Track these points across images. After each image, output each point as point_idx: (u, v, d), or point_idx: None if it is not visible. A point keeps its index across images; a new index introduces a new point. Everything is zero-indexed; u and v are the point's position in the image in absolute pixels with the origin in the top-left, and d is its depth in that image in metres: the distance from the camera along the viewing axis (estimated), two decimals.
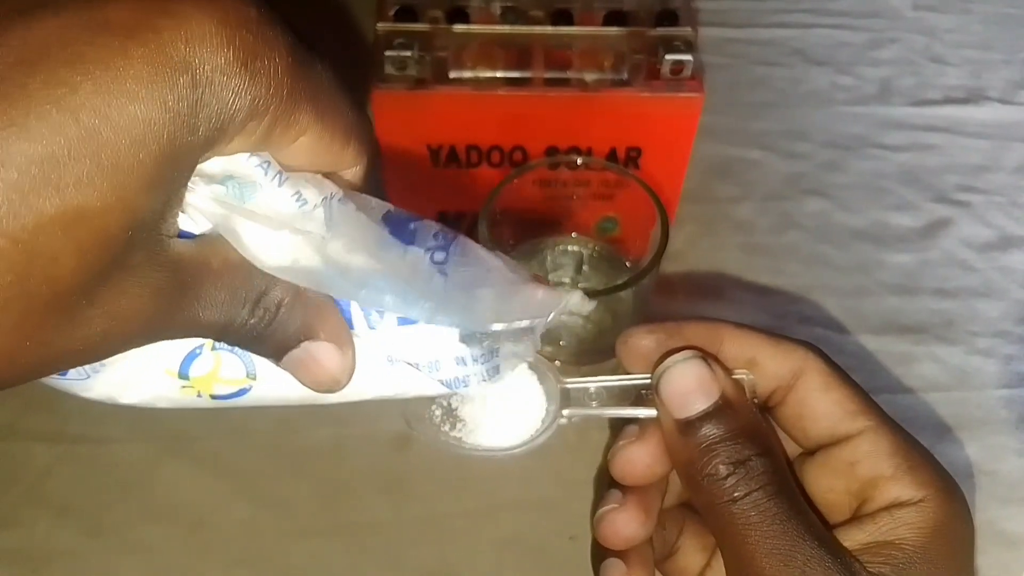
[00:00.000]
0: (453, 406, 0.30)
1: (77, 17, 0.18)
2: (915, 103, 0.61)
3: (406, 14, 0.43)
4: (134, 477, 0.42)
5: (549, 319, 0.28)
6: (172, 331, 0.23)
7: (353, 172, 0.26)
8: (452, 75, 0.42)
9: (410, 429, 0.30)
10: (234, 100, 0.20)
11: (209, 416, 0.44)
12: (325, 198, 0.24)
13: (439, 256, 0.25)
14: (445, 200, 0.47)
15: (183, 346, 0.26)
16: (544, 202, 0.43)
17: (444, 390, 0.27)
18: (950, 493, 0.28)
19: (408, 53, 0.41)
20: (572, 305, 0.28)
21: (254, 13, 0.20)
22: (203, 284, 0.22)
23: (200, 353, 0.26)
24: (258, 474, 0.42)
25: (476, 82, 0.42)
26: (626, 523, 0.31)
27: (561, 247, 0.45)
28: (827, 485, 0.30)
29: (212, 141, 0.20)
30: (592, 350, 0.43)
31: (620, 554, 0.32)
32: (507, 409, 0.30)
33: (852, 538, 0.27)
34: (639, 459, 0.30)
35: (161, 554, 0.40)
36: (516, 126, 0.44)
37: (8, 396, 0.45)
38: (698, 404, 0.28)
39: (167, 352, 0.25)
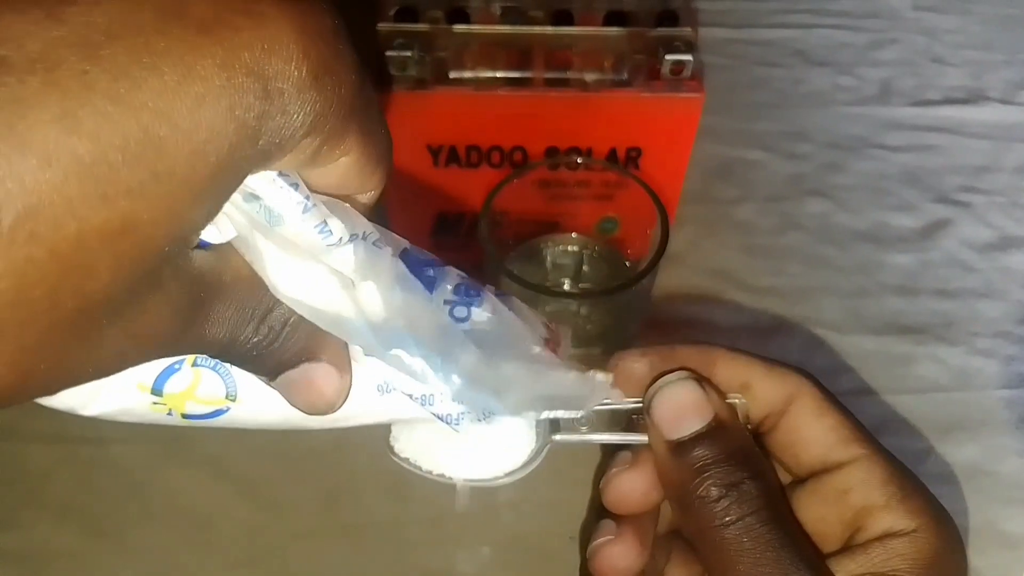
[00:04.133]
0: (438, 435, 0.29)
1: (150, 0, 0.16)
2: (916, 104, 0.61)
3: (406, 14, 0.43)
4: (135, 478, 0.42)
5: (579, 416, 0.28)
6: (179, 349, 0.21)
7: (370, 195, 0.24)
8: (452, 75, 0.42)
9: (395, 460, 0.29)
10: (299, 116, 0.18)
11: None
12: (355, 235, 0.22)
13: (460, 312, 0.24)
14: (445, 200, 0.47)
15: (162, 360, 0.24)
16: (544, 202, 0.43)
17: (435, 420, 0.26)
18: (943, 524, 0.28)
19: (408, 53, 0.41)
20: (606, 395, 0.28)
21: (331, 24, 0.19)
22: (214, 300, 0.21)
23: (179, 368, 0.24)
24: (259, 475, 0.42)
25: (476, 82, 0.42)
26: (622, 555, 0.30)
27: (561, 247, 0.45)
28: (818, 514, 0.29)
29: (268, 156, 0.19)
30: (591, 351, 0.43)
31: None
32: (494, 437, 0.29)
33: (844, 569, 0.27)
34: (634, 487, 0.30)
35: (162, 555, 0.40)
36: (516, 126, 0.44)
37: None
38: (690, 425, 0.27)
39: (143, 366, 0.23)
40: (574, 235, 0.45)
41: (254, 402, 0.25)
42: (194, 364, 0.24)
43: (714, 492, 0.26)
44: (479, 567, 0.40)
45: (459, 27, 0.43)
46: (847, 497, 0.28)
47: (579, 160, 0.43)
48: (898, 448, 0.31)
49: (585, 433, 0.29)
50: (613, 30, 0.43)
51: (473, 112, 0.43)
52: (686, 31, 0.43)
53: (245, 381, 0.24)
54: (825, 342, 0.48)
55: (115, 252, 0.16)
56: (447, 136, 0.44)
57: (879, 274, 0.51)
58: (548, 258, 0.45)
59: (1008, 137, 0.59)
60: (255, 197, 0.20)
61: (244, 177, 0.19)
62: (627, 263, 0.44)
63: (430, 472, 0.29)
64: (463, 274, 0.25)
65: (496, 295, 0.26)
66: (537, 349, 0.25)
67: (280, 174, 0.21)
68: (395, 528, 0.41)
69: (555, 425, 0.29)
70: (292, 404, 0.24)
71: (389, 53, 0.41)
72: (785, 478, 0.31)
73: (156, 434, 0.43)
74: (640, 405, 0.29)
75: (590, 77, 0.42)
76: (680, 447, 0.27)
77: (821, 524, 0.29)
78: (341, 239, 0.22)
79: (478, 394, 0.24)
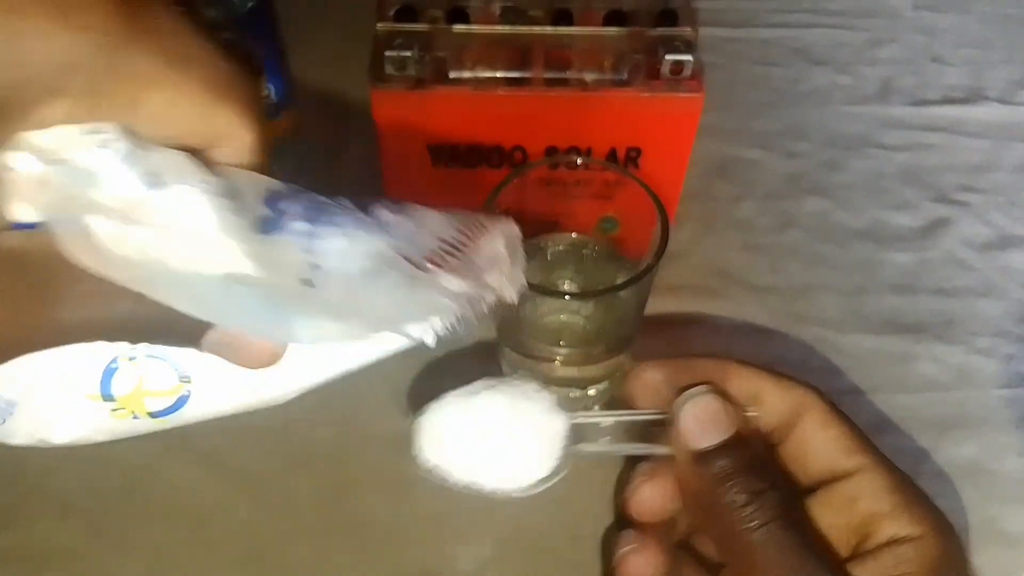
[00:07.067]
0: (466, 447, 0.30)
1: None
2: (915, 103, 0.61)
3: (406, 14, 0.43)
4: (135, 476, 0.42)
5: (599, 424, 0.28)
6: (36, 342, 0.19)
7: (237, 145, 0.21)
8: (452, 75, 0.42)
9: (421, 473, 0.30)
10: (41, 53, 0.15)
11: None
12: (186, 182, 0.19)
13: (312, 254, 0.21)
14: (445, 200, 0.47)
15: (97, 363, 0.22)
16: (544, 202, 0.43)
17: (402, 341, 0.23)
18: (946, 529, 0.29)
19: (408, 53, 0.41)
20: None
21: None
22: (59, 279, 0.18)
23: (117, 366, 0.22)
24: (259, 473, 0.42)
25: (476, 82, 0.42)
26: (646, 564, 0.31)
27: (561, 247, 0.45)
28: (828, 522, 0.30)
29: (6, 110, 0.16)
30: (591, 350, 0.43)
31: None
32: (518, 449, 0.30)
33: (856, 575, 0.28)
34: (656, 496, 0.31)
35: (162, 554, 0.40)
36: (516, 126, 0.44)
37: None
38: (714, 436, 0.29)
39: (83, 376, 0.22)
40: (574, 234, 0.45)
41: (212, 378, 0.23)
42: (130, 358, 0.23)
43: (740, 499, 0.27)
44: (479, 565, 0.40)
45: (459, 27, 0.43)
46: (855, 505, 0.29)
47: (579, 160, 0.43)
48: (898, 447, 0.32)
49: (608, 444, 0.31)
50: (613, 30, 0.43)
51: (473, 112, 0.43)
52: (685, 31, 0.43)
53: (193, 358, 0.22)
54: (824, 341, 0.48)
55: None
56: (447, 136, 0.44)
57: (878, 273, 0.51)
58: (548, 257, 0.45)
59: (1007, 136, 0.59)
60: (60, 161, 0.18)
61: None
62: (627, 262, 0.44)
63: (458, 482, 0.30)
64: (342, 204, 0.22)
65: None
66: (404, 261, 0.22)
67: (90, 130, 0.18)
68: (395, 526, 0.41)
69: (579, 436, 0.30)
70: (235, 364, 0.22)
71: (388, 53, 0.41)
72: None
73: (155, 432, 0.43)
74: (658, 416, 0.31)
75: (590, 77, 0.42)
76: (704, 456, 0.29)
77: (831, 531, 0.30)
78: (174, 188, 0.19)
79: (306, 336, 0.21)
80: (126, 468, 0.42)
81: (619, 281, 0.39)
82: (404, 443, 0.43)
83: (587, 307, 0.42)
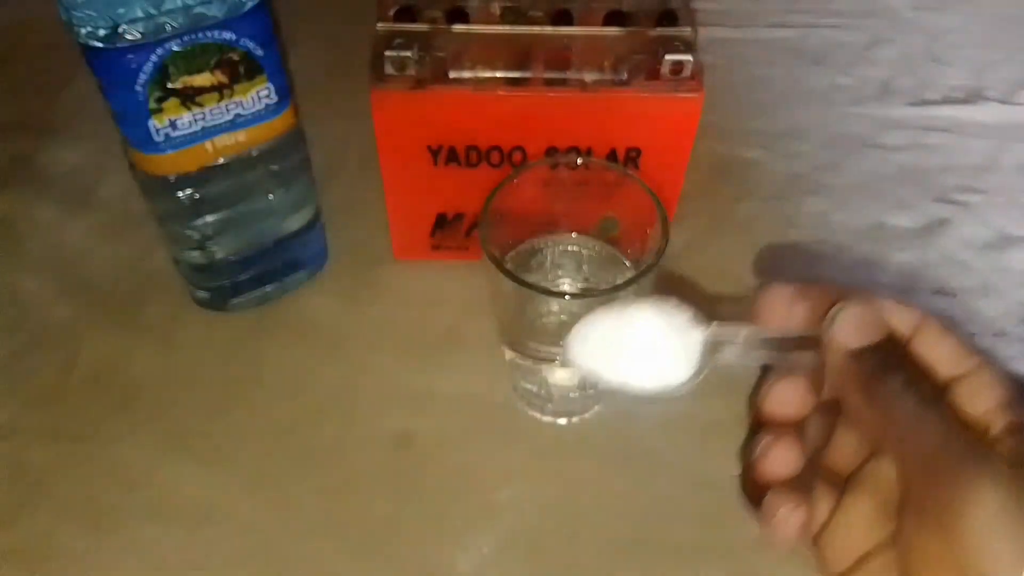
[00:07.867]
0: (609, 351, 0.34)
1: None
2: (914, 103, 0.61)
3: (406, 14, 0.43)
4: (135, 476, 0.42)
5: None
6: None
7: None
8: (452, 75, 0.42)
9: (573, 362, 0.34)
10: None
11: (210, 415, 0.44)
12: None
13: None
14: (445, 200, 0.47)
15: None
16: (544, 202, 0.43)
17: None
18: None
19: (408, 53, 0.41)
20: None
21: None
22: None
23: None
24: (259, 473, 0.42)
25: (476, 82, 0.42)
26: (786, 456, 0.35)
27: (561, 247, 0.45)
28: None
29: None
30: None
31: (778, 487, 0.35)
32: (661, 353, 0.33)
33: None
34: (791, 394, 0.35)
35: (162, 553, 0.40)
36: (516, 126, 0.44)
37: (7, 395, 0.45)
38: (871, 336, 0.32)
39: None
40: (574, 235, 0.45)
41: None
42: None
43: (899, 385, 0.30)
44: (479, 565, 0.40)
45: (458, 27, 0.43)
46: (975, 400, 0.32)
47: (579, 160, 0.43)
48: None
49: (740, 354, 0.34)
50: (612, 30, 0.43)
51: (472, 112, 0.43)
52: (685, 31, 0.43)
53: None
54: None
55: None
56: (447, 136, 0.44)
57: (878, 273, 0.51)
58: (548, 258, 0.45)
59: (1007, 136, 0.59)
60: None
61: None
62: (627, 263, 0.44)
63: (609, 383, 0.33)
64: None
65: None
66: None
67: None
68: (395, 526, 0.41)
69: (716, 347, 0.34)
70: None
71: (388, 53, 0.41)
72: None
73: (155, 432, 0.44)
74: (790, 335, 0.34)
75: (589, 77, 0.42)
76: (861, 353, 0.32)
77: None
78: None
79: None
80: (125, 468, 0.42)
81: (619, 281, 0.39)
82: (404, 443, 0.43)
83: (587, 308, 0.42)
